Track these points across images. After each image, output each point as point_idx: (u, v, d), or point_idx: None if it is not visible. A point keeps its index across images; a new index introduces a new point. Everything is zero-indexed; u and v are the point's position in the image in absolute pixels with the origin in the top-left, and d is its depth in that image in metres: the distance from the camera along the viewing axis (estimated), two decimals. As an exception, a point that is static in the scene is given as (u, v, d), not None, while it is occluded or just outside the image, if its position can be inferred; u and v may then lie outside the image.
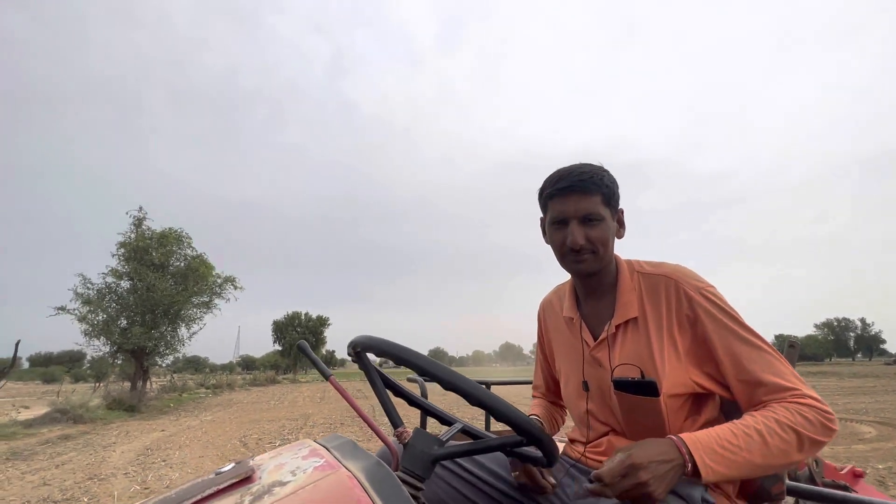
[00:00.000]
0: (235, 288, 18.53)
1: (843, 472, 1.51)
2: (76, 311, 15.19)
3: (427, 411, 1.10)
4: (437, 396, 1.24)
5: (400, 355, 0.77)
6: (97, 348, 15.85)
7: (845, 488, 1.37)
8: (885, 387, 17.76)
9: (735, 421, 0.83)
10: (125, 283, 16.24)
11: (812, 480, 1.38)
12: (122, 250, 16.26)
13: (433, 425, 5.61)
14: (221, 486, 0.66)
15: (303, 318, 53.36)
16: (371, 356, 0.89)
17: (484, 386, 1.18)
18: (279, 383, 31.49)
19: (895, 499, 1.18)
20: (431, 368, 0.76)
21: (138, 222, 16.76)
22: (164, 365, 21.76)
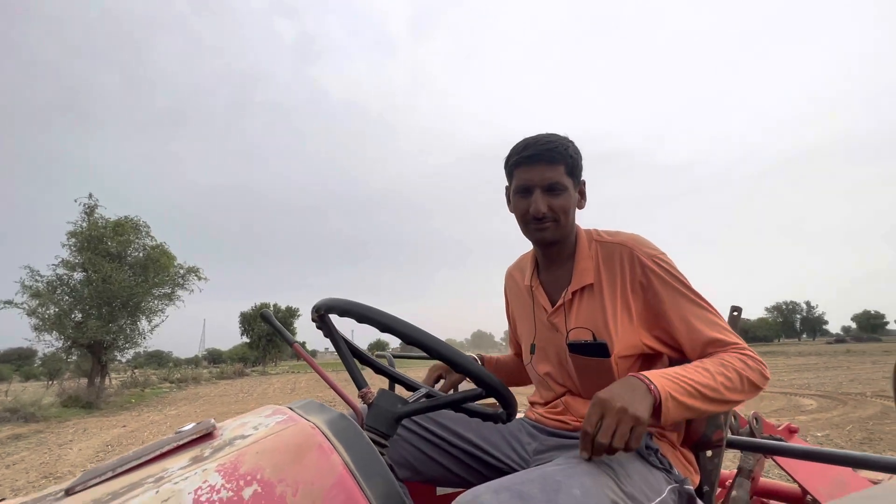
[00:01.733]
0: (199, 279, 17.88)
1: (779, 429, 1.65)
2: (24, 305, 14.30)
3: (394, 378, 1.12)
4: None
5: (363, 313, 0.79)
6: (49, 344, 15.01)
7: (780, 440, 1.50)
8: (826, 364, 19.21)
9: (684, 364, 0.89)
10: (78, 275, 15.38)
11: (752, 435, 1.50)
12: (73, 240, 15.34)
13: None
14: (181, 443, 0.66)
15: (272, 308, 52.13)
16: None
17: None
18: (248, 376, 30.77)
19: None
20: (393, 324, 0.78)
21: (90, 210, 15.83)
22: (124, 360, 20.85)
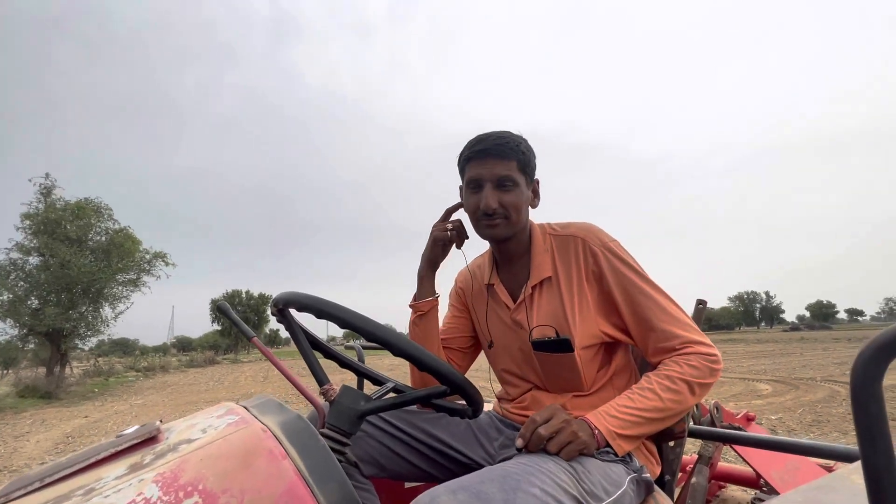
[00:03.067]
0: (167, 265, 17.20)
1: (738, 417, 1.72)
2: (-27, 292, 13.46)
3: (360, 373, 1.09)
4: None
5: (322, 308, 0.75)
6: (3, 331, 14.25)
7: (738, 429, 1.56)
8: (781, 350, 20.30)
9: (633, 387, 0.92)
10: (34, 260, 14.56)
11: (713, 424, 1.55)
12: (28, 223, 14.47)
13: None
14: (121, 448, 0.61)
15: (244, 296, 50.96)
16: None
17: None
18: (219, 364, 30.11)
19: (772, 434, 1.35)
20: (354, 321, 0.75)
21: (46, 191, 14.92)
22: (86, 348, 19.99)
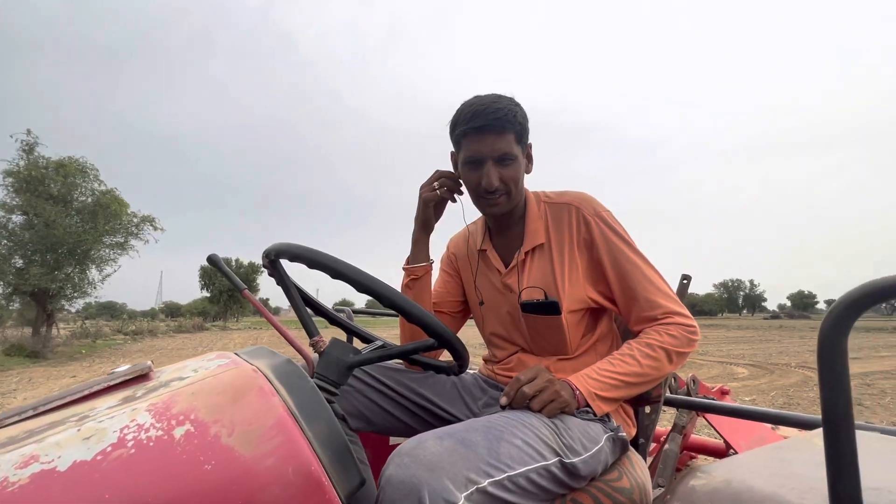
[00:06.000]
0: (155, 229, 16.95)
1: (713, 390, 1.79)
2: (-44, 249, 13.20)
3: (350, 331, 1.11)
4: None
5: (314, 258, 0.76)
6: (-14, 290, 14.06)
7: (712, 400, 1.63)
8: (761, 337, 20.89)
9: (614, 352, 0.96)
10: (17, 218, 14.25)
11: (689, 395, 1.62)
12: (11, 180, 14.08)
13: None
14: (113, 383, 0.63)
15: (234, 264, 50.62)
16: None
17: None
18: (207, 330, 30.19)
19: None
20: (345, 270, 0.76)
21: (28, 148, 14.46)
22: (73, 310, 19.86)
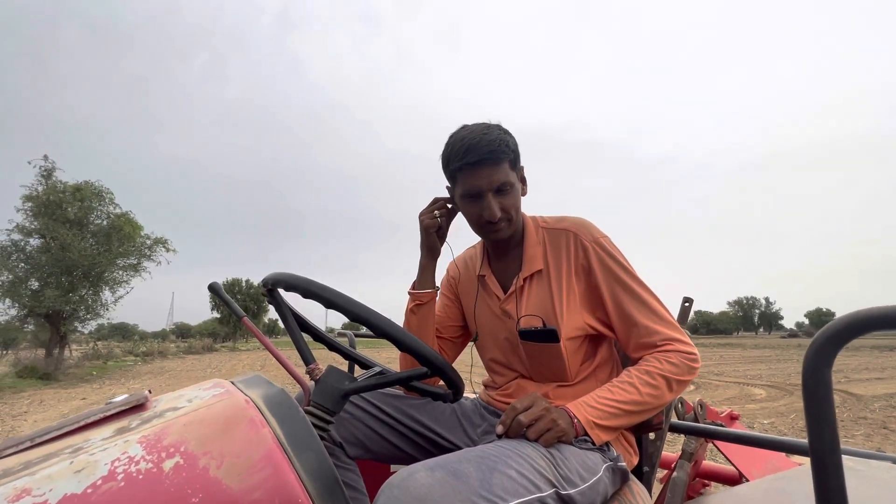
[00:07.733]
0: (167, 250, 17.26)
1: (722, 415, 1.74)
2: (-25, 272, 13.54)
3: (349, 357, 1.11)
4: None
5: (307, 288, 0.77)
6: (3, 312, 14.34)
7: (720, 426, 1.58)
8: (778, 356, 20.33)
9: (613, 380, 0.95)
10: (35, 241, 14.62)
11: (696, 420, 1.58)
12: (30, 204, 14.52)
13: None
14: (109, 413, 0.64)
15: (244, 285, 51.11)
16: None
17: None
18: (217, 351, 30.25)
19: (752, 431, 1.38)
20: (338, 300, 0.77)
21: (47, 173, 14.95)
22: (85, 331, 20.10)
